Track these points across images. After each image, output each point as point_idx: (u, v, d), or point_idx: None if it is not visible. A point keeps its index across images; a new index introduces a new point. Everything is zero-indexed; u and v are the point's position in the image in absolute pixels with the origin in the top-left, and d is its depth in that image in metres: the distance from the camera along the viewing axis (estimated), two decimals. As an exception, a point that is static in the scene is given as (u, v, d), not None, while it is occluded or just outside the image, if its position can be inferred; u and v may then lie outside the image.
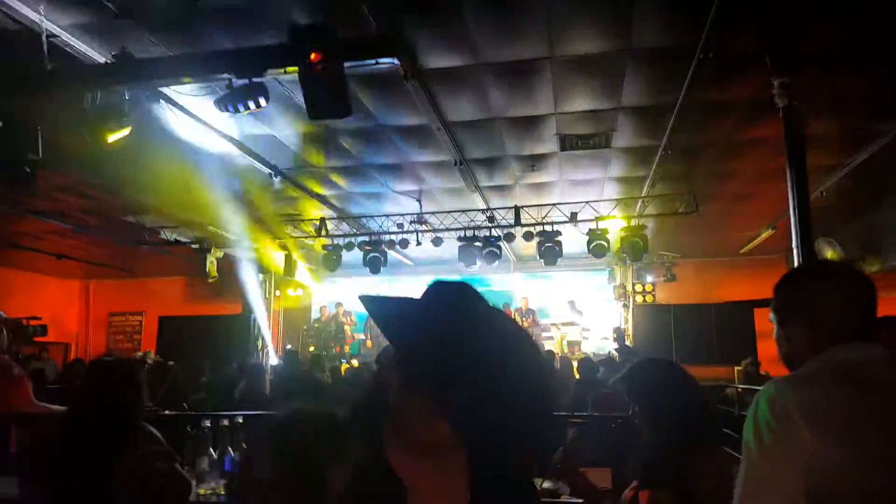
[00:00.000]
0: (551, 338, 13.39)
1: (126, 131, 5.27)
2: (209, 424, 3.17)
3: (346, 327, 13.81)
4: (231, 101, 4.82)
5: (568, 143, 7.52)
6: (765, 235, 12.11)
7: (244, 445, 3.14)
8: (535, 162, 8.27)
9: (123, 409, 2.54)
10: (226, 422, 3.22)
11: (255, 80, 4.79)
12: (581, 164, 8.43)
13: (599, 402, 4.66)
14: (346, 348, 13.82)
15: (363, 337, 13.97)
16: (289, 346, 13.37)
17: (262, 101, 4.86)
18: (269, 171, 8.07)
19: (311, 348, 13.53)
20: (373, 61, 4.69)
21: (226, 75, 4.73)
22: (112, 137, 5.20)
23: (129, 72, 4.79)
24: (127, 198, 9.59)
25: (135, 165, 8.18)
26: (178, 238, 10.88)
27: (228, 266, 12.96)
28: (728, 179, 9.02)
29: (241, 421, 3.28)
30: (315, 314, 14.73)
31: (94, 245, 12.74)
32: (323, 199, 9.77)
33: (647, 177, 8.84)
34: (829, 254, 10.27)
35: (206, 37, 5.05)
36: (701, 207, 9.24)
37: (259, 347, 12.57)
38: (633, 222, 9.61)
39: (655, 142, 7.60)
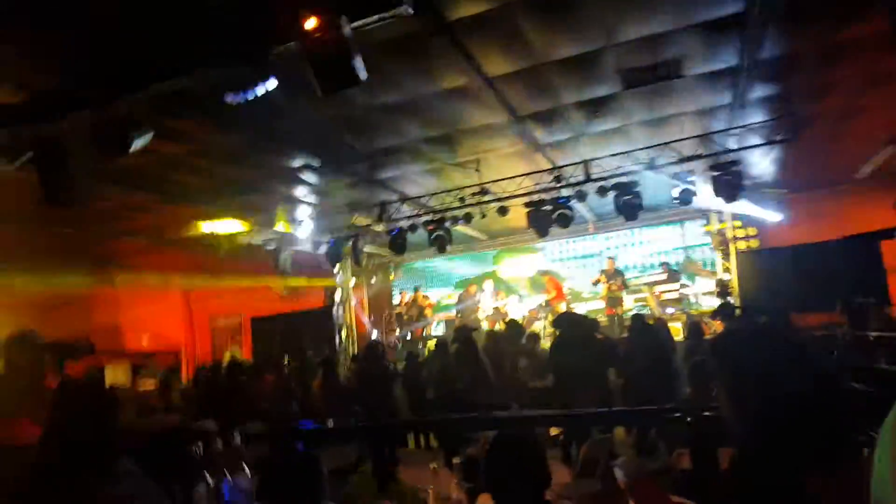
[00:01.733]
0: (644, 300, 12.39)
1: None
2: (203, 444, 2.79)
3: (427, 310, 13.47)
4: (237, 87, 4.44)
5: (631, 78, 6.62)
6: (885, 154, 10.49)
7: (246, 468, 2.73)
8: (597, 107, 7.41)
9: (99, 436, 2.18)
10: (237, 439, 2.83)
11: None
12: (651, 101, 7.46)
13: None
14: (429, 329, 13.51)
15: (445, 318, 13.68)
16: (373, 338, 13.24)
17: (271, 82, 4.44)
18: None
19: (396, 332, 13.40)
20: (379, 17, 4.11)
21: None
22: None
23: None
24: (192, 206, 9.68)
25: (197, 173, 8.19)
26: (250, 242, 10.90)
27: (307, 261, 12.98)
28: (829, 93, 7.72)
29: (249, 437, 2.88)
30: (395, 299, 14.52)
31: (181, 257, 13.18)
32: (380, 183, 9.39)
33: (730, 105, 7.73)
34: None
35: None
36: (800, 132, 8.01)
37: (344, 337, 12.50)
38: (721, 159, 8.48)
39: (734, 61, 6.56)
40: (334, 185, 9.33)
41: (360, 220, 10.44)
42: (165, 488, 2.33)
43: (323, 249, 10.67)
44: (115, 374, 12.21)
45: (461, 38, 5.50)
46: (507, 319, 10.64)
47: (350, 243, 10.45)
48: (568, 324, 7.29)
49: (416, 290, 13.84)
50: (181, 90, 4.71)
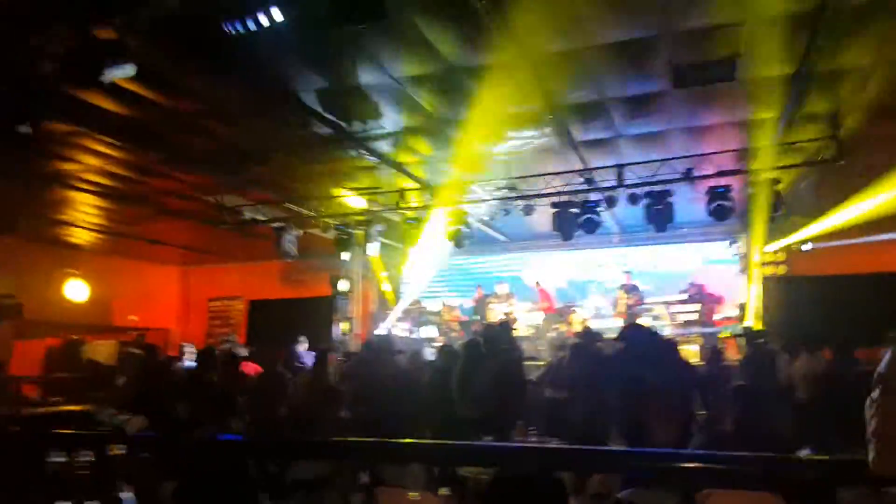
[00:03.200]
0: (657, 317, 11.91)
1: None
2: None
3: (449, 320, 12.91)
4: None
5: (682, 75, 6.16)
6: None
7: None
8: (640, 106, 6.96)
9: None
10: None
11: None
12: (695, 105, 7.01)
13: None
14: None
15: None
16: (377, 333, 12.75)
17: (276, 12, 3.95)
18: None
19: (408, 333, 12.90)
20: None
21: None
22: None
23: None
24: (202, 175, 9.25)
25: (208, 136, 7.76)
26: (255, 217, 10.46)
27: (318, 246, 12.52)
28: (883, 116, 7.25)
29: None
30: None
31: (186, 229, 12.74)
32: (400, 168, 8.93)
33: (778, 118, 7.27)
34: None
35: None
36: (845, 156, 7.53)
37: (344, 331, 12.01)
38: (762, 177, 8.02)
39: (789, 68, 6.11)
40: (351, 165, 8.88)
41: (376, 204, 9.98)
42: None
43: (332, 234, 10.21)
44: (97, 351, 11.72)
45: (506, 5, 5.03)
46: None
47: (363, 230, 9.98)
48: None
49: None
50: (171, 16, 4.21)
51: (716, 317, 11.44)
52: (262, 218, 10.42)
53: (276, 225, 10.35)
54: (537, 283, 12.32)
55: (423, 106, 6.95)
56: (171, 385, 6.32)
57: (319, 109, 7.02)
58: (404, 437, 4.01)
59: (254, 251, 13.98)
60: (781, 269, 10.04)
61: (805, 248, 10.62)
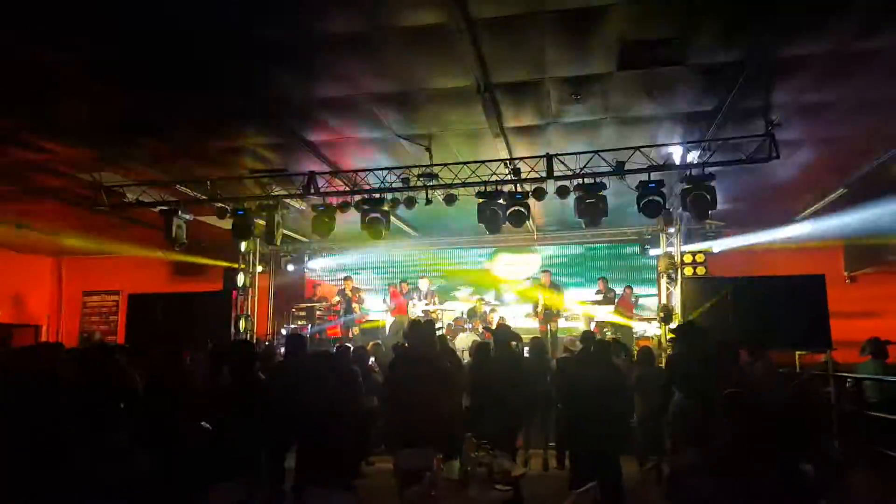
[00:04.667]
0: (569, 317, 11.64)
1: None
2: None
3: (355, 305, 11.99)
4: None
5: (629, 54, 5.65)
6: (832, 198, 10.27)
7: None
8: (579, 88, 6.41)
9: None
10: None
11: None
12: (637, 92, 6.56)
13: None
14: (356, 330, 11.98)
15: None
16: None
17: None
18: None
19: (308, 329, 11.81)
20: None
21: None
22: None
23: None
24: (76, 147, 7.84)
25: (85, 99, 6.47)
26: (139, 199, 9.07)
27: (212, 236, 11.24)
28: (817, 115, 7.15)
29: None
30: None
31: (58, 212, 11.07)
32: (311, 148, 7.95)
33: (718, 111, 6.98)
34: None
35: None
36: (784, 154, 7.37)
37: (242, 329, 10.79)
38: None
39: (736, 55, 5.77)
40: (253, 141, 7.80)
41: (280, 190, 8.89)
42: None
43: (229, 221, 8.99)
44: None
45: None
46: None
47: (263, 218, 8.84)
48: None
49: (346, 280, 12.34)
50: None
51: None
52: (147, 200, 9.04)
53: (163, 208, 9.00)
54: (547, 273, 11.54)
55: (338, 72, 6.04)
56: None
57: (217, 69, 5.96)
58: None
59: (138, 240, 12.54)
60: (701, 270, 9.94)
61: (717, 249, 10.67)
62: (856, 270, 12.36)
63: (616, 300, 11.44)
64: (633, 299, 11.57)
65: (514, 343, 7.17)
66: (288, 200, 8.84)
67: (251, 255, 11.42)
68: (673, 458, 4.94)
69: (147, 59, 5.72)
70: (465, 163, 8.07)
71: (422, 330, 5.87)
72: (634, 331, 11.14)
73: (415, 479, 4.58)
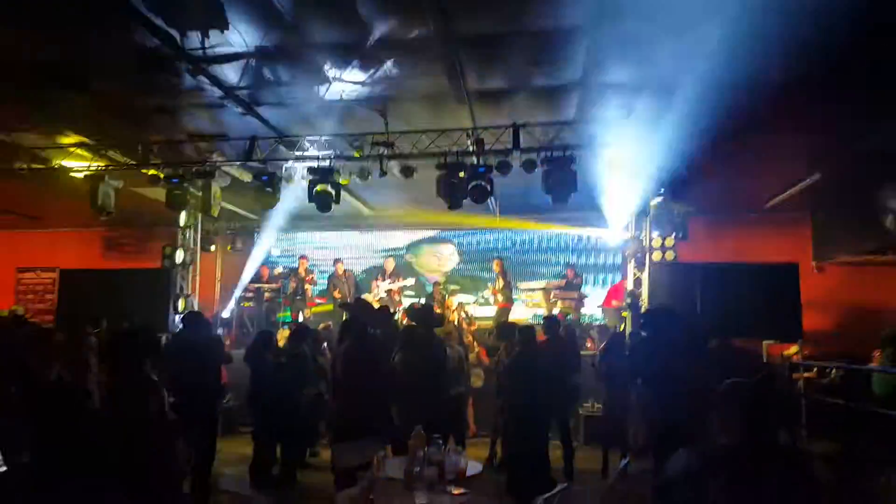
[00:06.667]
0: (538, 304, 11.13)
1: None
2: None
3: (308, 286, 11.22)
4: None
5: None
6: (799, 187, 9.92)
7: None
8: (552, 46, 5.76)
9: None
10: None
11: None
12: (619, 54, 5.94)
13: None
14: (308, 312, 11.23)
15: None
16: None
17: None
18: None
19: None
20: None
21: None
22: None
23: None
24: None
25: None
26: (62, 164, 8.14)
27: (149, 208, 10.34)
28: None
29: None
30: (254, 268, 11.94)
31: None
32: (251, 108, 7.14)
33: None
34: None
35: None
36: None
37: (182, 308, 9.94)
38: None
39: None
40: (187, 99, 6.97)
41: (219, 155, 8.06)
42: None
43: (162, 189, 8.13)
44: None
45: None
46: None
47: (200, 186, 8.01)
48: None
49: (301, 260, 11.55)
50: None
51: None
52: (70, 165, 8.12)
53: (88, 173, 8.09)
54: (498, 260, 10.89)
55: (283, 17, 5.28)
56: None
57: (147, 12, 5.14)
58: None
59: (69, 213, 11.55)
60: (670, 255, 9.49)
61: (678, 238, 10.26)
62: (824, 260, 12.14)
63: (580, 287, 11.01)
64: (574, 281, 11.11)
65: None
66: (227, 169, 8.01)
67: (191, 230, 10.54)
68: (655, 461, 4.37)
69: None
70: (423, 131, 7.39)
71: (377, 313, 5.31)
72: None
73: (350, 480, 3.93)
